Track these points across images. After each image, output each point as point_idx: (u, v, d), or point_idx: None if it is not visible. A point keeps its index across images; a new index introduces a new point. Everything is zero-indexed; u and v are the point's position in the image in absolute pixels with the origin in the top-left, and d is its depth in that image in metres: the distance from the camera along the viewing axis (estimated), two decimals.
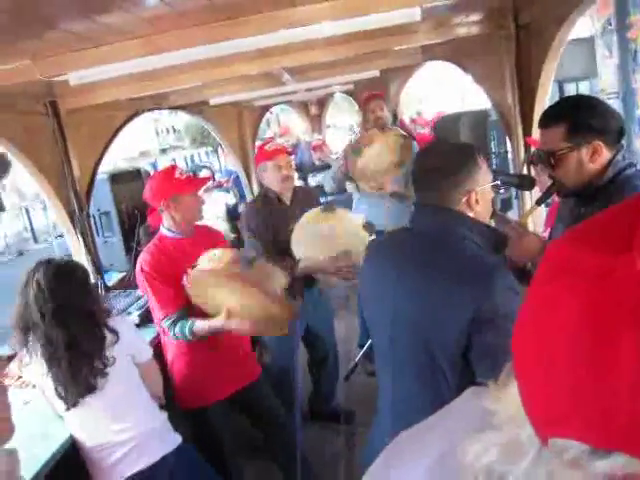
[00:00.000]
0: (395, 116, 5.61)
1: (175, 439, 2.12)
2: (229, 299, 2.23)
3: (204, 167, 6.08)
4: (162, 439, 2.08)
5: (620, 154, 1.67)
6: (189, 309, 2.31)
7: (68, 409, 1.90)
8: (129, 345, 2.04)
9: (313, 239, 2.71)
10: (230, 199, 5.86)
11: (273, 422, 2.76)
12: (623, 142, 1.72)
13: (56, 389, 1.87)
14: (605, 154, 1.64)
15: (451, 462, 0.57)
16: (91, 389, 1.89)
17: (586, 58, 7.80)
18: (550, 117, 1.73)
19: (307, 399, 3.66)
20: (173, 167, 2.51)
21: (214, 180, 5.96)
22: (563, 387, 0.40)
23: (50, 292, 1.84)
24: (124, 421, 1.99)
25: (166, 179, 2.42)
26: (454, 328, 1.37)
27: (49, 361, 1.85)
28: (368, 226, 2.73)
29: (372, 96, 3.91)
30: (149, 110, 4.42)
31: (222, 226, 4.61)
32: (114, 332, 1.96)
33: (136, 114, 4.15)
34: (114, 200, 3.82)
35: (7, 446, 0.81)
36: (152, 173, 3.73)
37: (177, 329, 2.30)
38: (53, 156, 3.28)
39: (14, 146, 3.06)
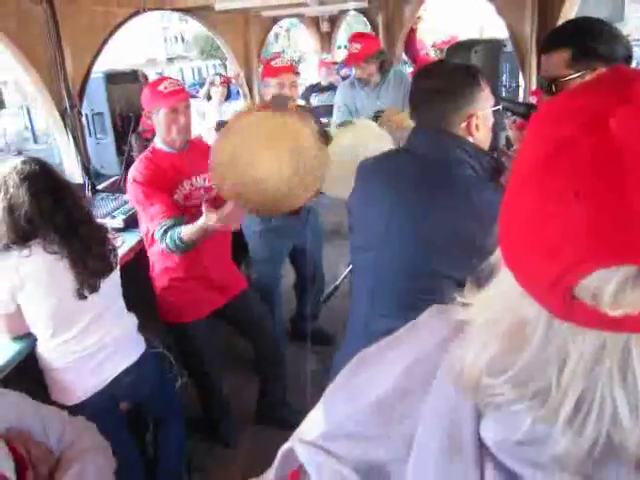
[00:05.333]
0: (407, 41, 5.40)
1: (143, 343, 2.16)
2: (263, 144, 2.13)
3: (218, 74, 5.84)
4: (137, 342, 2.13)
5: None
6: (182, 220, 2.27)
7: (89, 293, 1.88)
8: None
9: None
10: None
11: (262, 331, 2.77)
12: None
13: (76, 272, 1.84)
14: None
15: (424, 367, 0.55)
16: (110, 268, 1.94)
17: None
18: (553, 41, 1.60)
19: (289, 318, 3.70)
20: (161, 79, 2.42)
21: (228, 84, 5.73)
22: (597, 215, 0.37)
23: (53, 190, 1.81)
24: (109, 323, 1.99)
25: (150, 90, 2.37)
26: (447, 251, 1.35)
27: (63, 246, 1.81)
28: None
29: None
30: (152, 10, 4.21)
31: None
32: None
33: (137, 13, 3.96)
34: (108, 101, 3.68)
35: None
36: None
37: (168, 238, 2.24)
38: (46, 49, 3.15)
39: (5, 36, 2.92)
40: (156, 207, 2.27)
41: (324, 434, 0.55)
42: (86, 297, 1.87)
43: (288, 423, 2.79)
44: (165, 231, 2.24)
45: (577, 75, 1.54)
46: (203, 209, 2.12)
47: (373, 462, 0.50)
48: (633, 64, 1.62)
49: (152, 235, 2.35)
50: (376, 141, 2.49)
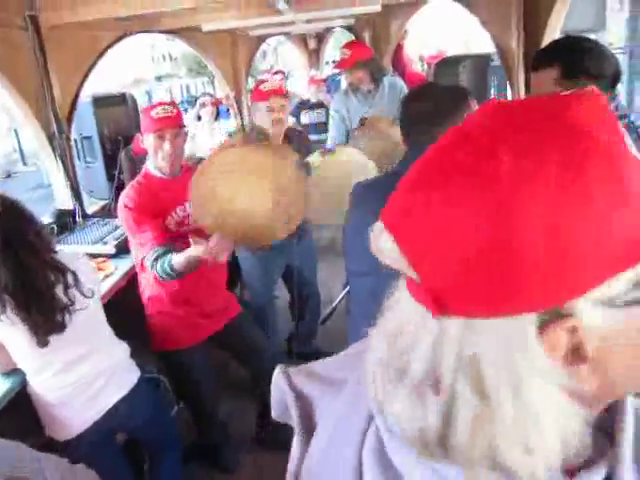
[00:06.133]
0: (394, 56, 5.44)
1: (137, 369, 2.12)
2: (243, 176, 2.16)
3: (207, 94, 5.84)
4: (130, 369, 2.09)
5: (614, 103, 1.58)
6: (173, 247, 2.24)
7: (41, 347, 1.77)
8: (92, 280, 1.97)
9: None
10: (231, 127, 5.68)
11: (258, 353, 2.73)
12: (618, 88, 1.63)
13: (29, 329, 1.73)
14: None
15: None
16: (61, 326, 1.78)
17: (595, 9, 7.52)
18: (542, 59, 1.62)
19: (286, 338, 3.67)
20: (157, 104, 2.43)
21: (218, 105, 5.74)
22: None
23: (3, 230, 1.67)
24: (98, 354, 1.95)
25: (143, 114, 2.39)
26: None
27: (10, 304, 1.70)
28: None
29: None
30: (138, 33, 4.21)
31: None
32: (67, 270, 1.83)
33: (124, 36, 3.95)
34: (97, 124, 3.67)
35: None
36: (145, 101, 3.55)
37: (159, 266, 2.20)
38: (33, 75, 3.13)
39: None
40: (147, 234, 2.24)
41: (297, 369, 0.68)
42: (46, 345, 1.77)
43: (288, 445, 2.76)
44: (156, 259, 2.21)
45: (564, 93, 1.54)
46: (190, 240, 2.10)
47: (309, 395, 0.63)
48: None
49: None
50: (359, 172, 2.48)
